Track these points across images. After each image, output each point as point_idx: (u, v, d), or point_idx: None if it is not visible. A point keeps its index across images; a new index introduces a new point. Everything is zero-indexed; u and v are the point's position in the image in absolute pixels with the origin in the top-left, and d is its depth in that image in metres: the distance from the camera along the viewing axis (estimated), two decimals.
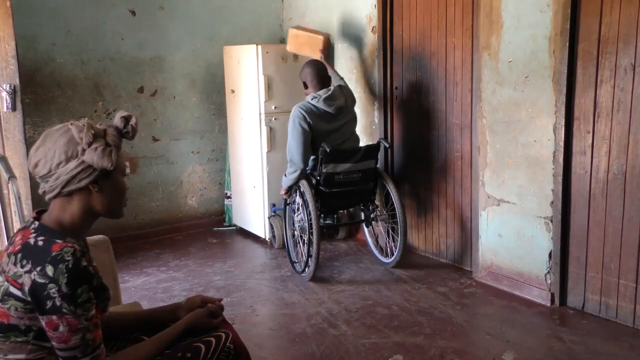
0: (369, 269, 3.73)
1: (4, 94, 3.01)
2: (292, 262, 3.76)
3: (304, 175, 3.49)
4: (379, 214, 3.77)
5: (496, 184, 3.32)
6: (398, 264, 3.70)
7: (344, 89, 3.68)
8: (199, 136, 4.71)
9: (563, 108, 2.90)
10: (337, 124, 3.55)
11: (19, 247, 1.31)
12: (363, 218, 3.95)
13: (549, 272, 3.10)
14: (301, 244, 3.65)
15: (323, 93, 3.50)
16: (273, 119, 4.17)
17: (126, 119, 1.42)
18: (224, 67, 4.51)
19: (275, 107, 4.17)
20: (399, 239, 3.61)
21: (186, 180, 4.70)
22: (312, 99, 3.49)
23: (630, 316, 2.81)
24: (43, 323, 1.27)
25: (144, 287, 3.55)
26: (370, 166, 3.55)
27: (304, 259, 3.56)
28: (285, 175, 3.59)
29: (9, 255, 1.31)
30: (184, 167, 4.67)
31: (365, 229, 3.99)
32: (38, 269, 1.25)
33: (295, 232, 3.71)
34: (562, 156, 2.94)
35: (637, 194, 2.72)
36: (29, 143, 3.11)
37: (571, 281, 3.05)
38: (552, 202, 3.03)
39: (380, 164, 3.85)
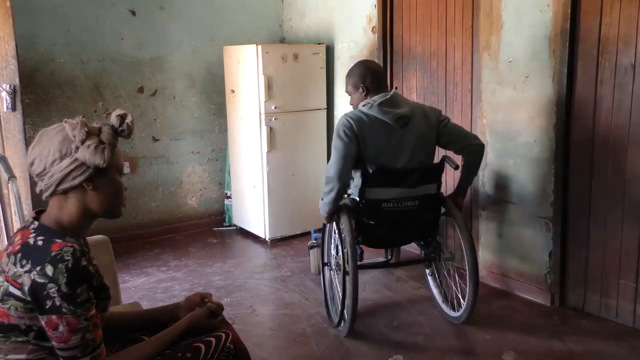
0: (367, 271, 3.73)
1: (4, 94, 3.00)
2: (328, 308, 3.03)
3: (343, 194, 2.73)
4: (442, 253, 2.93)
5: (496, 184, 3.32)
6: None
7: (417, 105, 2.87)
8: (199, 136, 4.71)
9: (563, 108, 2.90)
10: (396, 139, 2.67)
11: (18, 247, 1.31)
12: (423, 256, 3.12)
13: (549, 272, 3.10)
14: (337, 283, 2.94)
15: (378, 98, 2.69)
16: (273, 119, 4.17)
17: (122, 118, 1.42)
18: (224, 67, 4.51)
19: (275, 107, 4.17)
20: (468, 286, 2.76)
21: (186, 180, 4.70)
22: (363, 106, 2.70)
23: (630, 316, 2.81)
24: (43, 323, 1.27)
25: (144, 287, 3.55)
26: (429, 192, 2.73)
27: (338, 306, 2.82)
28: (321, 198, 2.80)
29: (8, 255, 1.31)
30: (184, 167, 4.67)
31: (427, 271, 3.17)
32: (38, 268, 1.25)
33: (329, 269, 3.01)
34: (562, 156, 2.94)
35: (637, 194, 2.72)
36: (29, 143, 3.11)
37: (571, 281, 3.05)
38: (552, 202, 3.03)
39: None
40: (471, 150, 2.78)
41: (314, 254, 3.57)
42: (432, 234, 2.91)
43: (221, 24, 4.69)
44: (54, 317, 1.25)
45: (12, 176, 2.63)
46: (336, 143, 2.67)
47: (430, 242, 2.96)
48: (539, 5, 2.95)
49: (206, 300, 1.72)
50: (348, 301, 2.67)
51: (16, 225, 2.82)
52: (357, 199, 2.73)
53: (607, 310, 2.91)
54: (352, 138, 2.63)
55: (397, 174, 2.66)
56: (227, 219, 4.85)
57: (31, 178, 2.93)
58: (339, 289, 2.84)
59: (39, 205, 1.50)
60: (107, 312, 1.47)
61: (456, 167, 2.79)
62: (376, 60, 4.07)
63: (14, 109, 3.04)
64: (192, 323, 1.60)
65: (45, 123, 3.90)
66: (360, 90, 2.77)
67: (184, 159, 4.66)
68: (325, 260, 3.05)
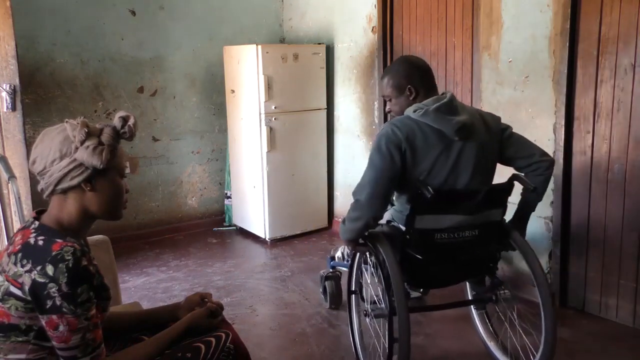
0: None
1: (4, 94, 3.00)
2: None
3: (372, 227, 2.19)
4: (502, 292, 2.33)
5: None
6: None
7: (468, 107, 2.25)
8: (199, 136, 4.71)
9: (563, 108, 2.91)
10: (454, 155, 2.08)
11: (19, 246, 1.31)
12: (471, 297, 2.64)
13: (549, 272, 3.10)
14: (375, 332, 2.37)
15: (432, 102, 2.09)
16: (273, 119, 4.17)
17: (124, 119, 1.42)
18: (224, 67, 4.51)
19: (275, 107, 4.17)
20: (543, 335, 2.16)
21: (186, 180, 4.70)
22: (414, 111, 2.09)
23: (630, 316, 2.81)
24: (43, 322, 1.27)
25: (144, 287, 3.55)
26: (493, 219, 2.17)
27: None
28: (343, 221, 2.23)
29: (9, 255, 1.31)
30: (184, 167, 4.68)
31: (476, 314, 2.66)
32: (38, 268, 1.25)
33: (367, 317, 2.29)
34: (562, 156, 2.94)
35: (637, 194, 2.72)
36: (29, 143, 3.11)
37: (571, 281, 3.05)
38: (552, 202, 3.03)
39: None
40: (541, 167, 2.20)
41: (330, 285, 3.09)
42: (492, 270, 2.32)
43: (221, 24, 4.70)
44: (54, 316, 1.25)
45: (12, 176, 2.63)
46: (374, 158, 2.07)
47: (484, 280, 2.42)
48: (539, 5, 2.95)
49: (206, 300, 1.72)
50: (398, 354, 2.05)
51: (16, 225, 2.82)
52: (402, 227, 2.17)
53: (607, 310, 2.91)
54: (396, 155, 2.03)
55: (458, 197, 2.09)
56: (227, 219, 4.85)
57: (32, 177, 2.93)
58: (378, 338, 2.33)
59: (39, 205, 1.50)
60: (107, 312, 1.47)
61: (533, 189, 2.19)
62: (376, 61, 4.07)
63: (14, 109, 3.04)
64: (192, 323, 1.60)
65: (45, 123, 3.90)
66: (407, 93, 2.17)
67: (184, 159, 4.66)
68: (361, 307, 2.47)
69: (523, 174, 2.22)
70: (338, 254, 3.07)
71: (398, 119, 2.13)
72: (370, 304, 2.29)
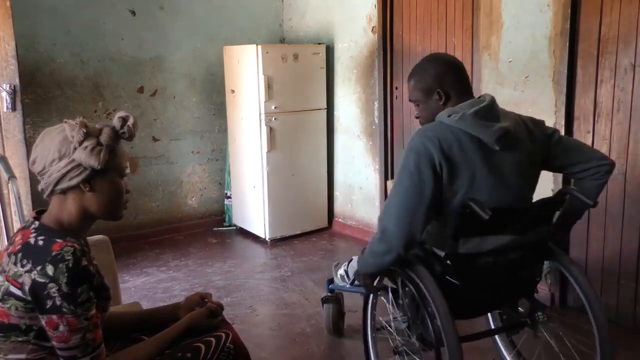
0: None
1: (4, 94, 3.00)
2: None
3: (396, 261, 1.82)
4: (543, 316, 2.04)
5: None
6: None
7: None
8: (199, 136, 4.71)
9: (563, 108, 2.91)
10: (492, 166, 1.77)
11: (19, 246, 1.31)
12: (496, 325, 2.36)
13: (549, 272, 3.10)
14: None
15: (468, 106, 1.79)
16: (273, 119, 4.18)
17: (124, 120, 1.42)
18: (224, 67, 4.51)
19: (275, 107, 4.17)
20: None
21: (186, 180, 4.70)
22: (449, 116, 1.78)
23: (631, 316, 2.81)
24: (43, 322, 1.27)
25: (144, 287, 3.55)
26: (540, 237, 1.92)
27: None
28: (362, 251, 1.94)
29: (9, 255, 1.31)
30: (184, 167, 4.68)
31: (500, 343, 2.41)
32: (38, 268, 1.25)
33: (397, 356, 2.02)
34: None
35: (637, 194, 2.72)
36: (29, 143, 3.11)
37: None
38: None
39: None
40: (600, 171, 1.90)
41: (328, 309, 2.80)
42: (532, 292, 2.05)
43: (221, 24, 4.70)
44: (54, 316, 1.25)
45: (12, 176, 2.63)
46: (405, 181, 1.73)
47: (518, 305, 2.11)
48: (539, 5, 2.95)
49: (206, 300, 1.72)
50: None
51: (16, 225, 2.82)
52: (438, 251, 1.85)
53: (607, 310, 2.91)
54: (430, 174, 1.70)
55: (507, 215, 1.80)
56: (227, 219, 4.85)
57: (32, 177, 2.93)
58: None
59: (39, 205, 1.50)
60: (107, 312, 1.47)
61: (594, 204, 1.91)
62: (376, 61, 4.07)
63: (14, 109, 3.04)
64: (192, 323, 1.60)
65: (45, 123, 3.90)
66: (437, 97, 1.87)
67: (184, 159, 4.66)
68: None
69: (572, 180, 1.99)
70: (341, 272, 2.79)
71: (429, 126, 1.81)
72: (403, 344, 2.00)
